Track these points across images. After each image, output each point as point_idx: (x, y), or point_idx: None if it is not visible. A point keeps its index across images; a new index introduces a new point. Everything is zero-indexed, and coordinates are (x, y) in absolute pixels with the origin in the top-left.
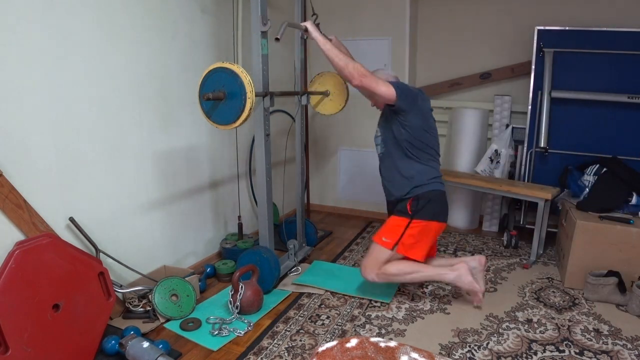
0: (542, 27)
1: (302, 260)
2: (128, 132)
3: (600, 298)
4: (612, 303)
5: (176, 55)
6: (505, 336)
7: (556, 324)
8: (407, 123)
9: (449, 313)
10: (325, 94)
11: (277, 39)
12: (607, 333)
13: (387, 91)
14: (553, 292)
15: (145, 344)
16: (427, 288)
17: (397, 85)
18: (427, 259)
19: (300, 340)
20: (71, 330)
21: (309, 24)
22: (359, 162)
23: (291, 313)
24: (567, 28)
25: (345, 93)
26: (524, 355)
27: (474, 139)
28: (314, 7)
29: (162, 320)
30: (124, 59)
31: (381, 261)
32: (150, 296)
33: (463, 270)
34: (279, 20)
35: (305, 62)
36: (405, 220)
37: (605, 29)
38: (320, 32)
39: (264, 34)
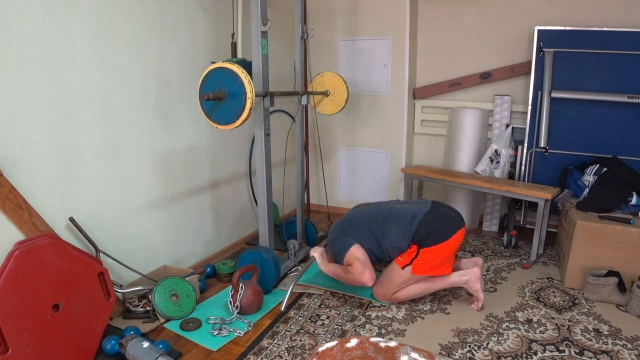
0: (542, 27)
1: (302, 260)
2: (128, 132)
3: (600, 298)
4: (612, 303)
5: (176, 55)
6: (505, 336)
7: (556, 324)
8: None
9: (449, 313)
10: (325, 94)
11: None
12: (607, 333)
13: (372, 274)
14: (553, 292)
15: (145, 344)
16: None
17: (362, 262)
18: None
19: (300, 340)
20: (71, 330)
21: (317, 255)
22: (359, 162)
23: (291, 313)
24: (567, 28)
25: (345, 93)
26: (524, 355)
27: (474, 139)
28: (314, 7)
29: (162, 320)
30: (124, 59)
31: (393, 285)
32: (150, 296)
33: (473, 277)
34: (279, 20)
35: (305, 62)
36: (413, 253)
37: (605, 29)
38: (326, 261)
39: (264, 34)
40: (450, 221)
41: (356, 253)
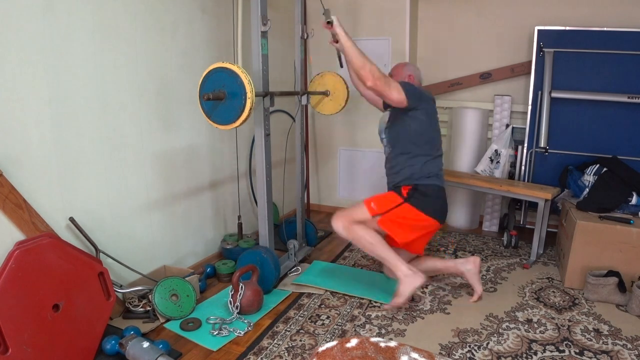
0: (542, 27)
1: (302, 260)
2: (128, 132)
3: (600, 298)
4: (612, 303)
5: (176, 55)
6: (505, 336)
7: (556, 324)
8: (415, 119)
9: (449, 313)
10: (325, 94)
11: (329, 22)
12: (607, 333)
13: (398, 97)
14: (553, 292)
15: (145, 344)
16: (427, 288)
17: (407, 89)
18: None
19: (300, 340)
20: (71, 330)
21: (335, 18)
22: (359, 162)
23: (291, 313)
24: (567, 28)
25: (345, 93)
26: (524, 355)
27: (474, 139)
28: (314, 7)
29: (162, 320)
30: (124, 59)
31: (356, 219)
32: (150, 296)
33: (472, 267)
34: (279, 20)
35: (305, 62)
36: (399, 199)
37: (605, 29)
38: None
39: (264, 34)
40: (444, 210)
41: (403, 78)
